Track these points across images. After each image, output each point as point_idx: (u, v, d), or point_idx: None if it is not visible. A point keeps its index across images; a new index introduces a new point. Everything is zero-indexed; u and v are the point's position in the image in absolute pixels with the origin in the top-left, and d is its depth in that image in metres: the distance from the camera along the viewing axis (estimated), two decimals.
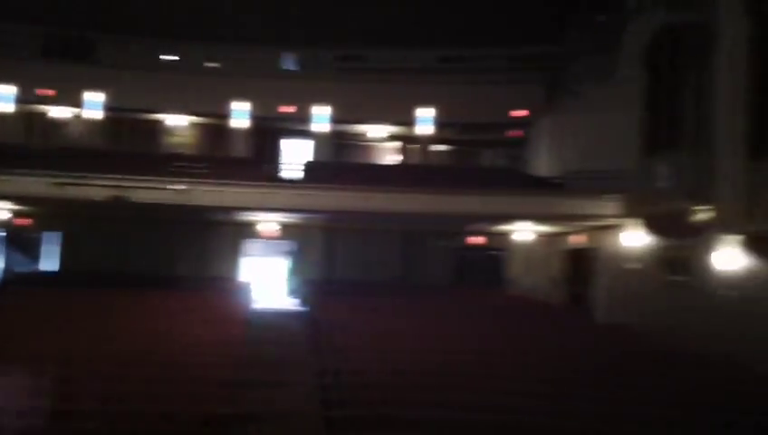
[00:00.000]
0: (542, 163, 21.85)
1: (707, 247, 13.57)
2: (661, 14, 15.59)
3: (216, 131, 24.07)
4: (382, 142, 25.37)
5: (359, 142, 25.27)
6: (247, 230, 21.63)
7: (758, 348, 11.66)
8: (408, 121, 23.74)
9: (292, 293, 21.92)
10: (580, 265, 19.27)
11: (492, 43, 22.70)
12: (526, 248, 21.74)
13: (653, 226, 15.54)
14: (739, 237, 12.66)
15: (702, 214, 13.83)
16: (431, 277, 22.29)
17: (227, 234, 21.97)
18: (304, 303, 18.68)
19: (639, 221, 15.95)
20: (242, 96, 23.27)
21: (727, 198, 13.15)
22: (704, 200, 13.81)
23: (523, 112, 22.91)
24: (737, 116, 13.07)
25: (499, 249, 22.60)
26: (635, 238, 16.28)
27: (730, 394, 9.47)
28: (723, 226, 13.16)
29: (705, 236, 13.70)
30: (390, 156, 25.57)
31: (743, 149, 12.84)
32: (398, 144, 25.39)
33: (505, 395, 8.83)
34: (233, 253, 22.46)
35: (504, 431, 7.59)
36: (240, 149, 23.89)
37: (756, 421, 8.10)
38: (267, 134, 24.33)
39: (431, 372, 9.96)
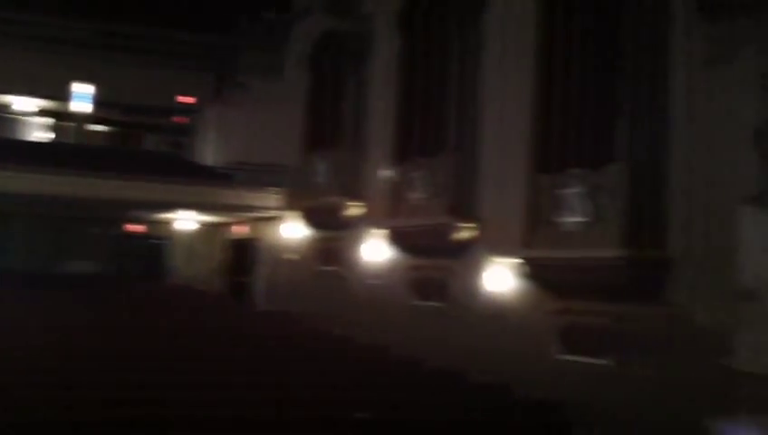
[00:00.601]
0: (209, 152, 21.73)
1: (357, 240, 14.77)
2: (325, 19, 16.52)
3: None
4: (31, 117, 22.96)
5: (1, 115, 22.54)
6: None
7: (394, 332, 13.01)
8: (64, 97, 21.81)
9: None
10: (243, 254, 19.63)
11: (163, 24, 21.89)
12: (189, 237, 21.49)
13: (310, 218, 16.45)
14: (384, 231, 13.99)
15: (354, 209, 15.06)
16: (86, 267, 20.81)
17: None
18: None
19: (298, 214, 16.76)
20: None
21: (376, 195, 14.49)
22: (356, 196, 15.08)
23: (190, 99, 22.54)
24: (387, 122, 14.43)
25: (161, 238, 21.97)
26: (294, 230, 17.06)
27: (367, 374, 10.49)
28: (371, 220, 14.46)
29: (355, 229, 14.91)
30: (41, 133, 23.26)
31: (390, 153, 14.22)
32: (50, 120, 23.20)
33: (156, 387, 8.65)
34: None
35: (155, 423, 7.41)
36: None
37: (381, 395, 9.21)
38: None
39: (74, 368, 9.34)
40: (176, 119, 23.22)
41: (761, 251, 7.97)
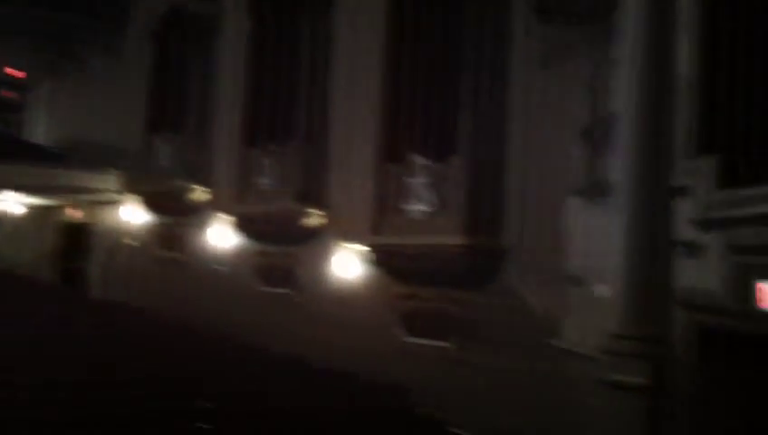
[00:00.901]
0: (40, 130, 20.34)
1: (202, 226, 14.40)
2: None
3: None
4: None
5: None
6: None
7: (239, 319, 12.84)
8: None
9: None
10: (76, 240, 18.54)
11: None
12: (14, 221, 20.01)
13: (152, 203, 15.82)
14: (231, 218, 13.75)
15: (199, 194, 14.66)
16: None
17: None
18: None
19: (139, 198, 16.07)
20: None
21: (222, 181, 14.19)
22: (202, 181, 14.68)
23: (20, 73, 20.93)
24: (235, 106, 14.14)
25: None
26: (134, 215, 16.34)
27: (210, 362, 10.30)
28: (217, 206, 14.15)
29: (200, 214, 14.53)
30: None
31: (237, 138, 13.97)
32: None
33: None
34: None
35: None
36: None
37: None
38: None
39: None
40: (4, 93, 21.50)
41: (586, 240, 8.65)
